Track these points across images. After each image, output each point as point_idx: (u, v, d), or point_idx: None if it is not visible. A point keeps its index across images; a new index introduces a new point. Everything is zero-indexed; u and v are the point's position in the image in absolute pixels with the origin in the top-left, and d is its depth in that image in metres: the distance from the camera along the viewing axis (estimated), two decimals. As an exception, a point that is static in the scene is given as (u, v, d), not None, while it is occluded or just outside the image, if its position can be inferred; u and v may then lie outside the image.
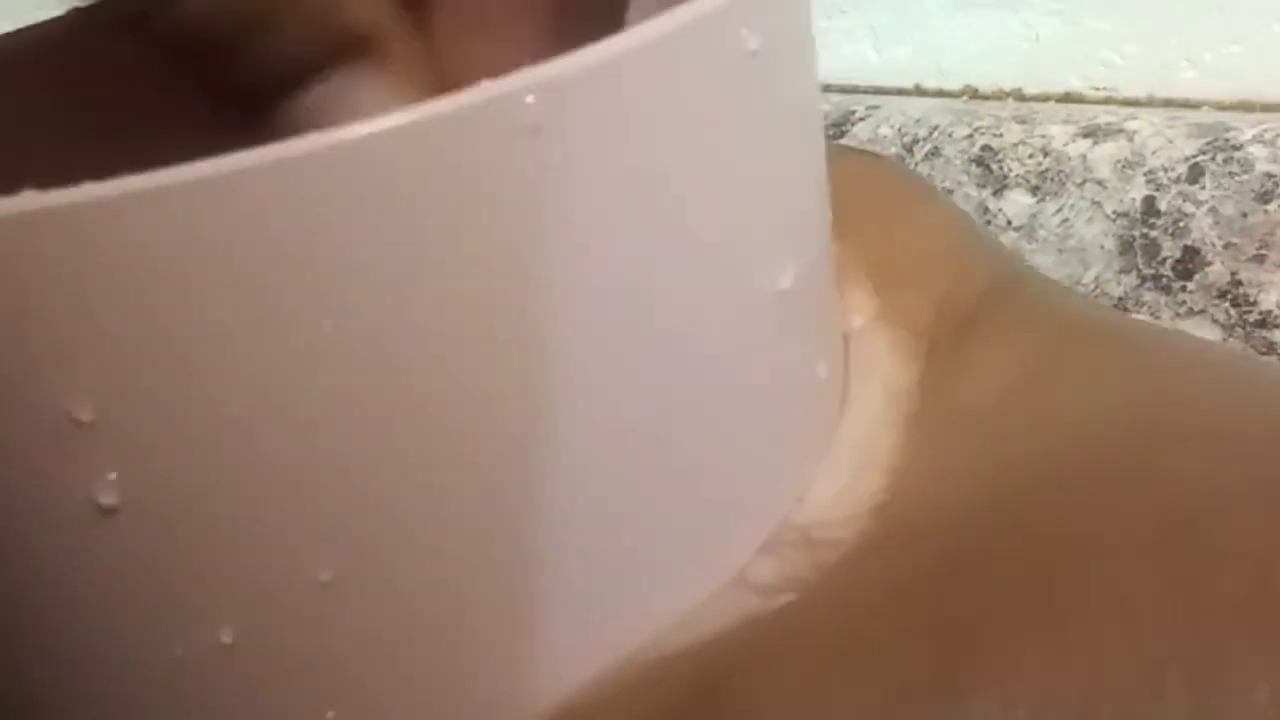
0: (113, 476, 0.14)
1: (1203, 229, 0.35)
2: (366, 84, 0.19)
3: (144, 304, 0.14)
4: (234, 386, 0.14)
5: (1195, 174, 0.35)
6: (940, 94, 0.41)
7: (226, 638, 0.15)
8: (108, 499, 0.15)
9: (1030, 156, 0.37)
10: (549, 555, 0.16)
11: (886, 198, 0.22)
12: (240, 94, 0.19)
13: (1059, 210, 0.37)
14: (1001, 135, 0.38)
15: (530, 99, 0.14)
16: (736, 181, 0.17)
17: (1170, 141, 0.36)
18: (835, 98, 0.42)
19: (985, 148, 0.38)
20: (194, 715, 0.16)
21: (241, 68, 0.19)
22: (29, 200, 0.14)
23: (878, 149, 0.39)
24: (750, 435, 0.17)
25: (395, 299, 0.14)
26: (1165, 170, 0.35)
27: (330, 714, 0.16)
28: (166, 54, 0.19)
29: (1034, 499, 0.16)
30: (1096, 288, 0.36)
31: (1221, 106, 0.38)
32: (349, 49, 0.19)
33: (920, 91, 0.42)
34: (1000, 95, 0.41)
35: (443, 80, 0.19)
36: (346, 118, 0.19)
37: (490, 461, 0.15)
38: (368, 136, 0.14)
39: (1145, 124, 0.36)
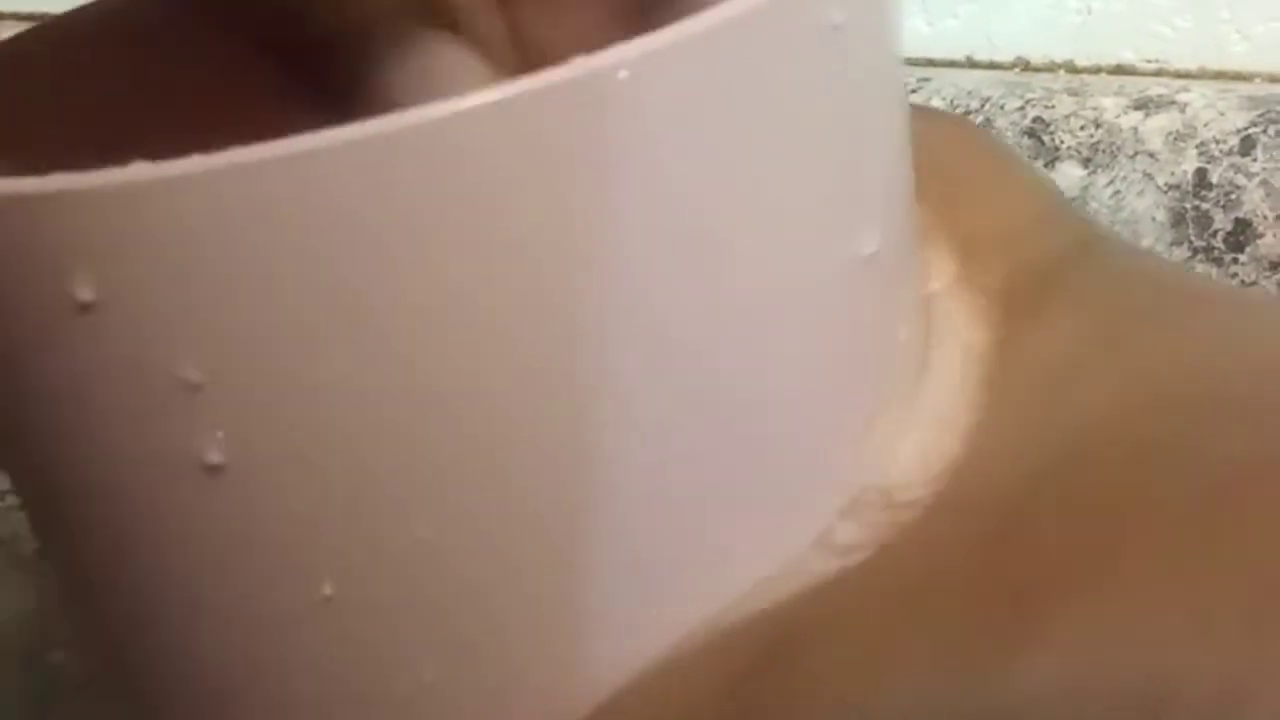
0: (220, 435, 0.15)
1: (1254, 201, 0.35)
2: (449, 55, 0.19)
3: (247, 273, 0.14)
4: (332, 351, 0.15)
5: (1247, 146, 0.35)
6: (992, 66, 0.41)
7: (328, 590, 0.16)
8: (215, 458, 0.15)
9: (1082, 129, 0.37)
10: (631, 520, 0.16)
11: (968, 162, 0.22)
12: (317, 54, 0.19)
13: (1110, 182, 0.37)
14: (1053, 107, 0.38)
15: (623, 74, 0.15)
16: (821, 152, 0.17)
17: (1222, 114, 0.36)
18: (886, 69, 0.42)
19: (1037, 120, 0.38)
20: (296, 667, 0.16)
21: (327, 22, 0.19)
22: (137, 171, 0.14)
23: (929, 121, 0.39)
24: (832, 399, 0.18)
25: (480, 272, 0.15)
26: (1217, 142, 0.36)
27: (429, 664, 0.16)
28: (241, 10, 0.20)
29: (1094, 461, 0.17)
30: (1148, 259, 0.36)
31: (1274, 79, 0.38)
32: (435, 16, 0.19)
33: (971, 63, 0.42)
34: (1052, 67, 0.41)
35: (523, 58, 0.20)
36: (426, 87, 0.20)
37: (565, 434, 0.16)
38: (466, 111, 0.14)
39: (1197, 96, 0.37)
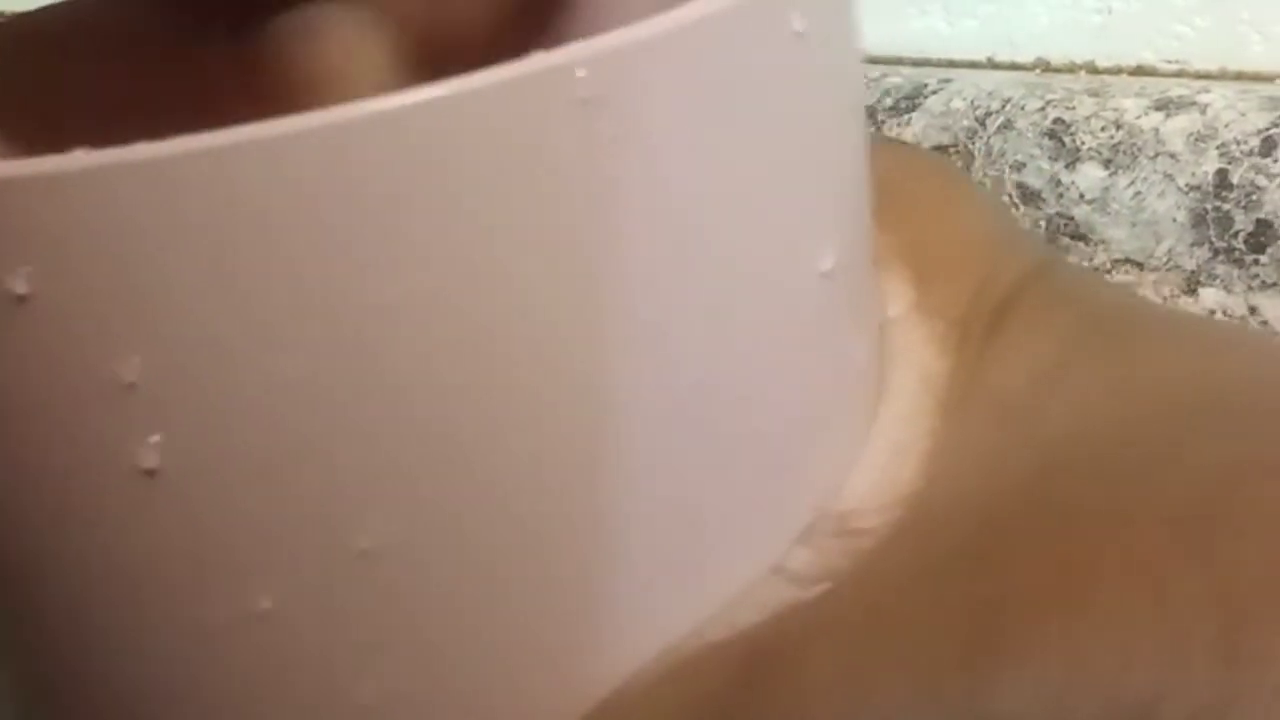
0: (155, 439, 0.14)
1: (1275, 202, 0.35)
2: (344, 18, 0.19)
3: (187, 267, 0.14)
4: (275, 353, 0.14)
5: (1268, 147, 0.35)
6: (1013, 67, 0.42)
7: (265, 604, 0.15)
8: (150, 461, 0.14)
9: (1103, 129, 0.37)
10: (585, 545, 0.16)
11: (926, 191, 0.22)
12: (230, 8, 0.19)
13: (1131, 183, 0.37)
14: (1074, 108, 0.38)
15: (581, 72, 0.14)
16: (780, 160, 0.16)
17: (1243, 114, 0.36)
18: (907, 70, 0.42)
19: (1058, 120, 0.38)
20: (231, 681, 0.16)
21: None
22: (76, 160, 0.14)
23: (950, 122, 0.39)
24: (789, 423, 0.17)
25: (439, 270, 0.14)
26: (1238, 143, 0.36)
27: (365, 686, 0.16)
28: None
29: (1062, 477, 0.17)
30: (1169, 261, 0.36)
31: (1294, 79, 0.38)
32: None
33: (993, 64, 0.42)
34: (1072, 68, 0.41)
35: (430, 33, 0.19)
36: (318, 48, 0.19)
37: (534, 445, 0.15)
38: (413, 105, 0.14)
39: (1217, 97, 0.37)
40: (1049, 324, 0.19)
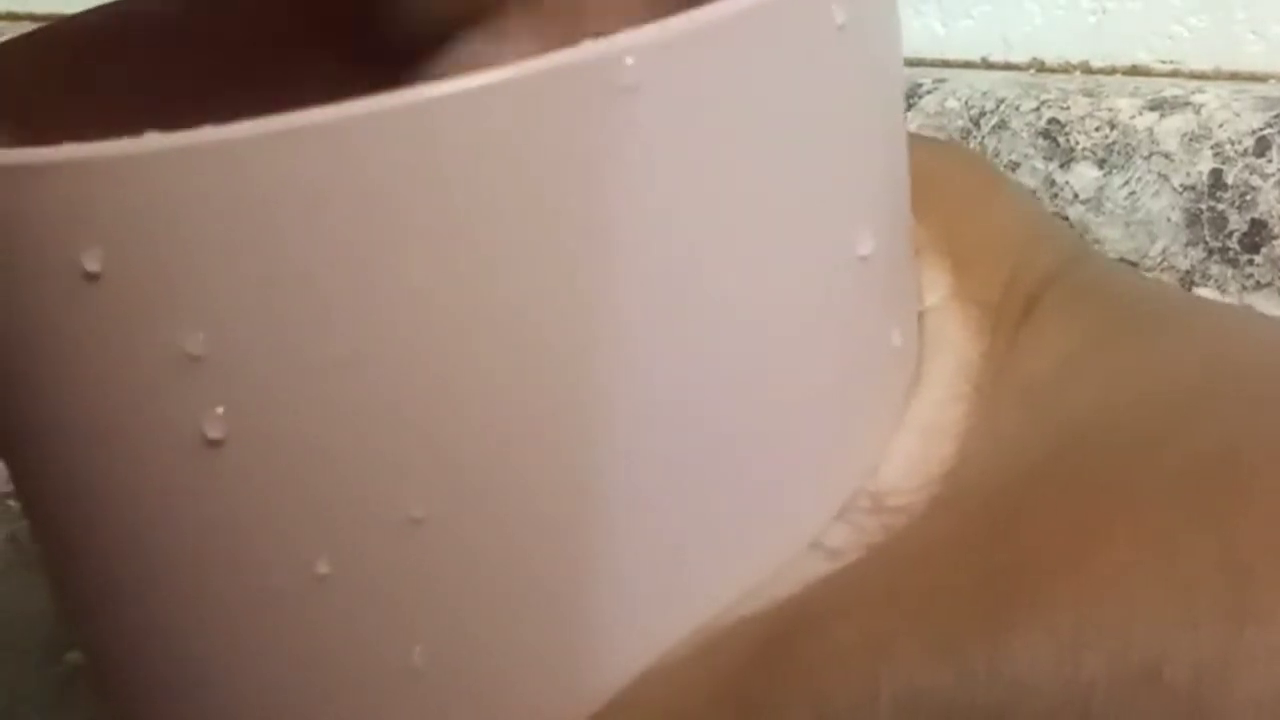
0: (220, 410, 0.15)
1: (1270, 202, 0.35)
2: (493, 52, 0.19)
3: (253, 244, 0.14)
4: (337, 327, 0.15)
5: (1262, 147, 0.35)
6: (1007, 67, 0.42)
7: (323, 569, 0.16)
8: (215, 432, 0.15)
9: (1097, 129, 0.37)
10: (626, 518, 0.16)
11: (963, 183, 0.23)
12: (373, 53, 0.19)
13: (1126, 183, 0.37)
14: (1068, 108, 0.38)
15: (629, 60, 0.15)
16: (821, 149, 0.17)
17: (1237, 114, 0.36)
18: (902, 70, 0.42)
19: (1052, 120, 0.38)
20: (287, 645, 0.16)
21: (383, 20, 0.19)
22: (148, 142, 0.14)
23: (945, 122, 0.39)
24: (827, 403, 0.18)
25: (488, 250, 0.15)
26: (1232, 143, 0.36)
27: (417, 649, 0.16)
28: (303, 9, 0.20)
29: (1077, 453, 0.17)
30: (1163, 260, 0.36)
31: (1289, 79, 0.38)
32: (489, 12, 0.19)
33: (987, 64, 0.42)
34: (1067, 68, 0.41)
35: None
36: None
37: (576, 423, 0.16)
38: (465, 91, 0.14)
39: (1212, 97, 0.37)
40: (1077, 313, 0.20)
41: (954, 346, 0.20)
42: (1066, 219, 0.37)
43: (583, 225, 0.15)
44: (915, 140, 0.20)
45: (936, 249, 0.21)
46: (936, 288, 0.21)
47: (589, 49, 0.14)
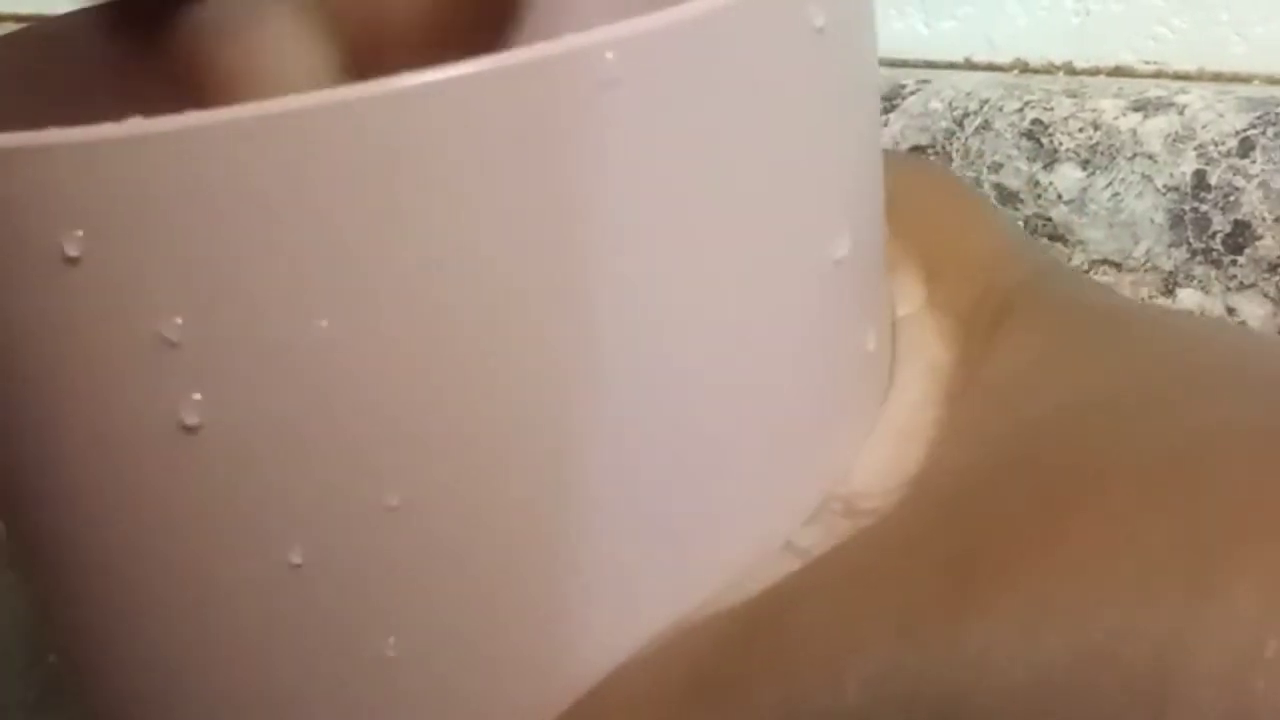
0: (197, 397, 0.15)
1: (1253, 203, 0.35)
2: (268, 12, 0.19)
3: (229, 231, 0.14)
4: (315, 315, 0.15)
5: (1246, 148, 0.35)
6: (990, 68, 0.41)
7: (296, 558, 0.16)
8: (191, 418, 0.15)
9: (1081, 130, 0.37)
10: (598, 515, 0.16)
11: (935, 199, 0.23)
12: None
13: (1109, 184, 0.37)
14: (1052, 109, 0.38)
15: (610, 54, 0.15)
16: (798, 151, 0.17)
17: (1221, 115, 0.36)
18: (885, 71, 0.42)
19: (1036, 121, 0.38)
20: (260, 635, 0.16)
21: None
22: (131, 126, 0.14)
23: (928, 123, 0.39)
24: (802, 405, 0.18)
25: (464, 241, 0.15)
26: (1216, 144, 0.36)
27: (391, 639, 0.16)
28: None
29: (1045, 447, 0.17)
30: (1147, 262, 0.36)
31: (1272, 80, 0.38)
32: None
33: (970, 65, 0.42)
34: (1050, 69, 0.41)
35: (362, 31, 0.20)
36: (241, 47, 0.20)
37: (546, 418, 0.16)
38: (444, 81, 0.14)
39: (1196, 98, 0.36)
40: (1045, 322, 0.20)
41: (927, 353, 0.20)
42: (1050, 220, 0.37)
43: (559, 218, 0.15)
44: (886, 156, 0.20)
45: (910, 262, 0.22)
46: (910, 299, 0.21)
47: (570, 42, 0.15)
